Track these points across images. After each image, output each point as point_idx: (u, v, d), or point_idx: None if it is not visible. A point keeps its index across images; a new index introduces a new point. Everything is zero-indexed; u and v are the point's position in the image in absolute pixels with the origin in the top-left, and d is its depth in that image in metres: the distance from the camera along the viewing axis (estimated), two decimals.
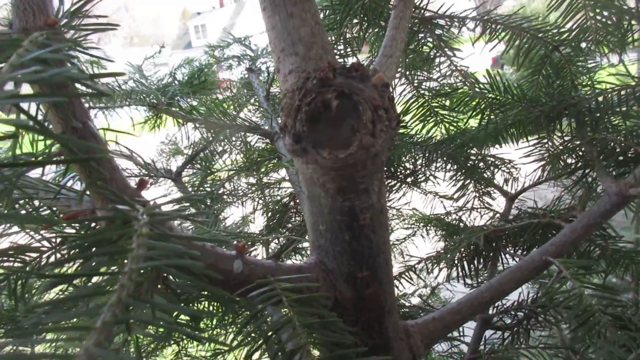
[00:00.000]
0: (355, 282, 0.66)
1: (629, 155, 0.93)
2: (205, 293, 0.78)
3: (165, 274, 0.56)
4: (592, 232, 0.85)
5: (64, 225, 0.60)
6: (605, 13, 0.95)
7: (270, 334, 0.55)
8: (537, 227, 0.95)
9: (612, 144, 0.91)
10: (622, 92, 0.93)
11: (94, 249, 0.46)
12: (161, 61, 1.98)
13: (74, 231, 0.60)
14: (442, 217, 1.52)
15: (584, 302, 0.70)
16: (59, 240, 0.64)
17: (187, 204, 1.25)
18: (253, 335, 0.62)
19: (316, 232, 0.68)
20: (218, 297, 0.79)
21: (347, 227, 0.64)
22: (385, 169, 1.37)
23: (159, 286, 0.55)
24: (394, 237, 1.80)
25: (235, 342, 0.61)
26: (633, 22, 0.97)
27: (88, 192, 0.57)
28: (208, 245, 0.62)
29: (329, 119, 0.61)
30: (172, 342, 1.59)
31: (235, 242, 0.63)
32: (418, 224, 1.67)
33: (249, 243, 1.39)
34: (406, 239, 1.71)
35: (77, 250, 0.45)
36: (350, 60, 1.14)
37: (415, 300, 1.75)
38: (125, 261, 0.42)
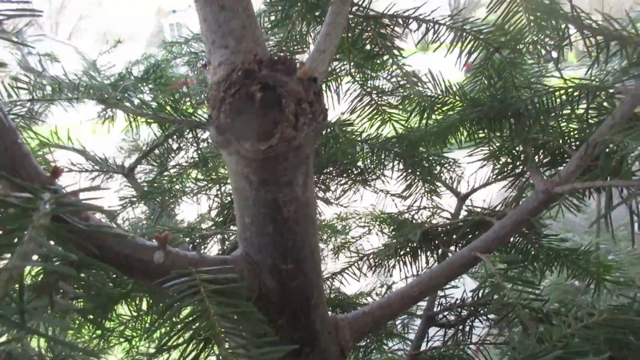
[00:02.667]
0: (279, 274, 0.67)
1: (558, 155, 0.95)
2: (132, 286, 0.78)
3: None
4: (521, 229, 0.88)
5: None
6: (542, 15, 0.98)
7: (185, 323, 0.55)
8: (470, 225, 0.97)
9: (544, 144, 0.94)
10: (557, 94, 0.96)
11: None
12: (134, 58, 1.95)
13: None
14: (395, 215, 1.54)
15: (505, 297, 0.71)
16: None
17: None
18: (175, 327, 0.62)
19: (242, 224, 0.68)
20: (147, 291, 0.78)
21: (271, 220, 0.64)
22: (337, 167, 1.38)
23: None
24: (350, 235, 1.81)
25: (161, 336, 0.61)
26: (570, 25, 1.00)
27: None
28: (129, 235, 0.61)
29: (253, 111, 0.61)
30: (123, 340, 1.57)
31: (156, 234, 0.63)
32: (373, 222, 1.69)
33: (199, 240, 1.38)
34: (361, 237, 1.72)
35: None
36: (300, 58, 1.14)
37: (371, 300, 1.76)
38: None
